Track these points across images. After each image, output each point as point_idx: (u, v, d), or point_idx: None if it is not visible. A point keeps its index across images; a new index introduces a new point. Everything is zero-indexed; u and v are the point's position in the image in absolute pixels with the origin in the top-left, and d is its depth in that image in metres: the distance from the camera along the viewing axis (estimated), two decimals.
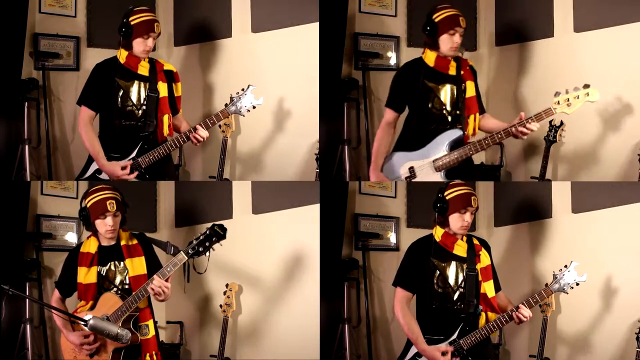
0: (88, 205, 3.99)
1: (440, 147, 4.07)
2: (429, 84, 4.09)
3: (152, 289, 3.85)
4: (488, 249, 4.08)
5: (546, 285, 3.91)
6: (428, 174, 4.09)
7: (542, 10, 4.59)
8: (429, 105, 4.10)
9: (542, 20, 4.60)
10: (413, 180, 4.12)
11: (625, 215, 4.35)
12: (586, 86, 3.91)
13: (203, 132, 4.12)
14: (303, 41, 4.52)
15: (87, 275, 4.01)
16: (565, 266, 3.87)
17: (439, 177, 4.09)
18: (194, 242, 3.82)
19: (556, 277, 3.88)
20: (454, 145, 4.06)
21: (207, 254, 3.84)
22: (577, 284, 3.87)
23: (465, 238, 4.02)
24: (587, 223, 4.44)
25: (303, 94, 4.54)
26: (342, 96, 4.71)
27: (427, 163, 4.09)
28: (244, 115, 4.16)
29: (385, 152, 4.19)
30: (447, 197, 3.96)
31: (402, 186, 4.82)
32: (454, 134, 4.07)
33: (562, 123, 4.45)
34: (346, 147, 4.71)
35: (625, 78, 4.36)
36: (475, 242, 4.05)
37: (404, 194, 4.83)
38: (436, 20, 4.06)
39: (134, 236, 4.08)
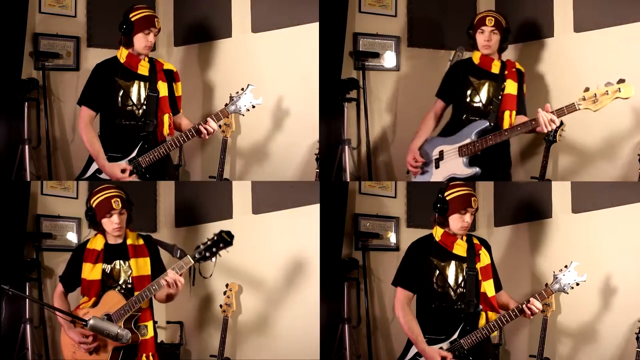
0: (94, 205, 4.02)
1: (468, 135, 4.21)
2: (471, 79, 4.29)
3: (166, 281, 3.84)
4: (488, 248, 4.08)
5: (546, 285, 3.91)
6: (453, 159, 4.24)
7: (542, 10, 4.60)
8: (468, 98, 4.28)
9: (542, 20, 4.60)
10: (440, 162, 4.27)
11: (625, 215, 4.35)
12: (621, 81, 3.91)
13: (214, 124, 4.13)
14: (303, 41, 4.53)
15: (92, 272, 4.02)
16: (566, 266, 3.88)
17: (461, 162, 4.21)
18: (201, 246, 3.83)
19: (556, 277, 3.88)
20: (481, 134, 4.19)
21: (214, 259, 3.85)
22: (577, 284, 3.88)
23: (465, 237, 4.02)
24: (587, 223, 4.44)
25: (303, 94, 4.54)
26: (342, 96, 4.71)
27: (454, 148, 4.23)
28: (243, 115, 4.17)
29: (426, 135, 4.37)
30: (447, 198, 3.97)
31: (402, 186, 4.82)
32: (482, 124, 4.21)
33: (562, 123, 4.44)
34: (346, 147, 4.71)
35: (626, 78, 4.35)
36: (475, 241, 4.05)
37: (404, 194, 4.83)
38: (473, 23, 4.29)
39: (140, 237, 4.10)
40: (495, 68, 4.26)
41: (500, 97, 4.22)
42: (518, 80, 4.27)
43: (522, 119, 4.22)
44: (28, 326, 4.63)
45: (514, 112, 4.22)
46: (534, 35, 4.65)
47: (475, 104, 4.26)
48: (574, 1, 4.51)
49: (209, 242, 3.83)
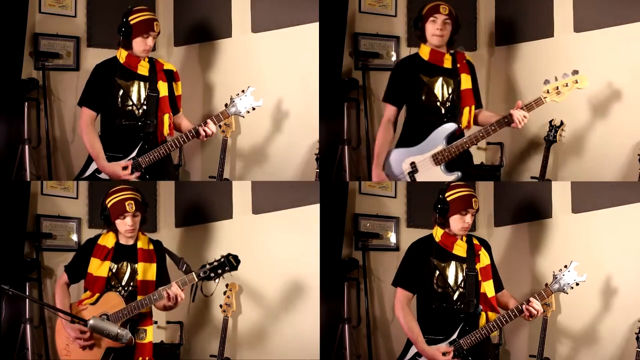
0: (109, 206, 4.04)
1: (437, 141, 4.11)
2: (423, 77, 4.15)
3: (168, 294, 3.87)
4: (488, 249, 4.08)
5: (546, 285, 3.91)
6: (429, 169, 4.13)
7: (542, 10, 4.59)
8: (422, 98, 4.15)
9: (542, 20, 4.60)
10: (415, 174, 4.15)
11: (625, 215, 4.35)
12: (575, 72, 3.97)
13: (213, 127, 4.13)
14: (303, 41, 4.53)
15: (99, 268, 4.03)
16: (565, 266, 3.88)
17: (439, 170, 4.12)
18: (207, 267, 3.87)
19: (556, 277, 3.88)
20: (451, 138, 4.11)
21: (217, 280, 3.90)
22: (577, 284, 3.88)
23: (465, 238, 4.02)
24: (587, 223, 4.44)
25: (303, 94, 4.54)
26: (342, 96, 4.71)
27: (427, 157, 4.13)
28: (243, 117, 4.17)
29: (387, 149, 4.22)
30: (448, 199, 3.97)
31: (402, 186, 4.82)
32: (450, 127, 4.11)
33: (562, 123, 4.45)
34: (346, 147, 4.71)
35: (625, 78, 4.36)
36: (475, 242, 4.05)
37: (404, 194, 4.83)
38: (422, 13, 4.15)
39: (151, 242, 4.12)
40: (447, 62, 4.14)
41: (459, 94, 4.15)
42: (470, 72, 4.18)
43: (485, 113, 4.19)
44: (28, 326, 4.64)
45: (473, 107, 4.16)
46: (534, 35, 4.64)
47: (432, 104, 4.14)
48: (574, 1, 4.50)
49: (215, 264, 3.88)
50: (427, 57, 4.15)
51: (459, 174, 4.13)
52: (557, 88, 3.98)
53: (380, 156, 4.21)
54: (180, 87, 4.35)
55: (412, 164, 4.15)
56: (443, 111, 4.14)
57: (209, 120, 4.13)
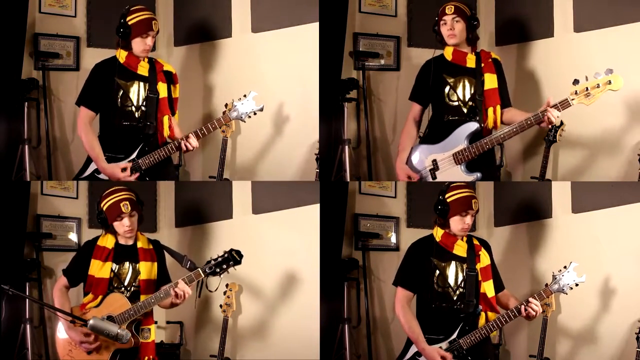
0: (104, 209, 4.03)
1: (459, 140, 4.11)
2: (445, 77, 4.17)
3: (176, 292, 3.89)
4: (488, 249, 4.09)
5: (546, 285, 3.91)
6: (450, 167, 4.13)
7: (542, 10, 4.59)
8: (445, 97, 4.17)
9: (542, 20, 4.60)
10: (436, 172, 4.14)
11: (625, 215, 4.36)
12: (608, 71, 3.81)
13: (194, 142, 4.13)
14: (303, 41, 4.53)
15: (101, 270, 4.03)
16: (565, 267, 3.88)
17: (459, 169, 4.12)
18: (212, 262, 3.93)
19: (555, 278, 3.89)
20: (473, 137, 4.10)
21: (221, 275, 3.96)
22: (577, 285, 3.88)
23: (465, 238, 4.03)
24: (587, 223, 4.45)
25: (303, 94, 4.54)
26: (342, 96, 4.71)
27: (448, 156, 4.13)
28: (244, 121, 4.16)
29: (410, 146, 4.24)
30: (448, 200, 3.97)
31: (402, 186, 4.82)
32: (472, 126, 4.11)
33: (562, 123, 4.45)
34: (346, 147, 4.71)
35: (625, 78, 4.35)
36: (475, 242, 4.06)
37: (404, 194, 4.83)
38: (437, 18, 4.17)
39: (150, 242, 4.13)
40: (470, 62, 4.16)
41: (481, 93, 4.13)
42: (496, 71, 4.17)
43: (511, 112, 4.15)
44: (28, 326, 4.64)
45: (498, 107, 4.14)
46: (534, 35, 4.64)
47: (453, 103, 4.16)
48: (574, 1, 4.50)
49: (219, 259, 3.94)
50: (450, 58, 4.18)
51: (479, 175, 4.12)
52: (587, 89, 3.82)
53: (403, 153, 4.23)
54: (178, 90, 4.34)
55: (434, 162, 4.15)
56: (465, 111, 4.14)
57: (190, 134, 4.13)
